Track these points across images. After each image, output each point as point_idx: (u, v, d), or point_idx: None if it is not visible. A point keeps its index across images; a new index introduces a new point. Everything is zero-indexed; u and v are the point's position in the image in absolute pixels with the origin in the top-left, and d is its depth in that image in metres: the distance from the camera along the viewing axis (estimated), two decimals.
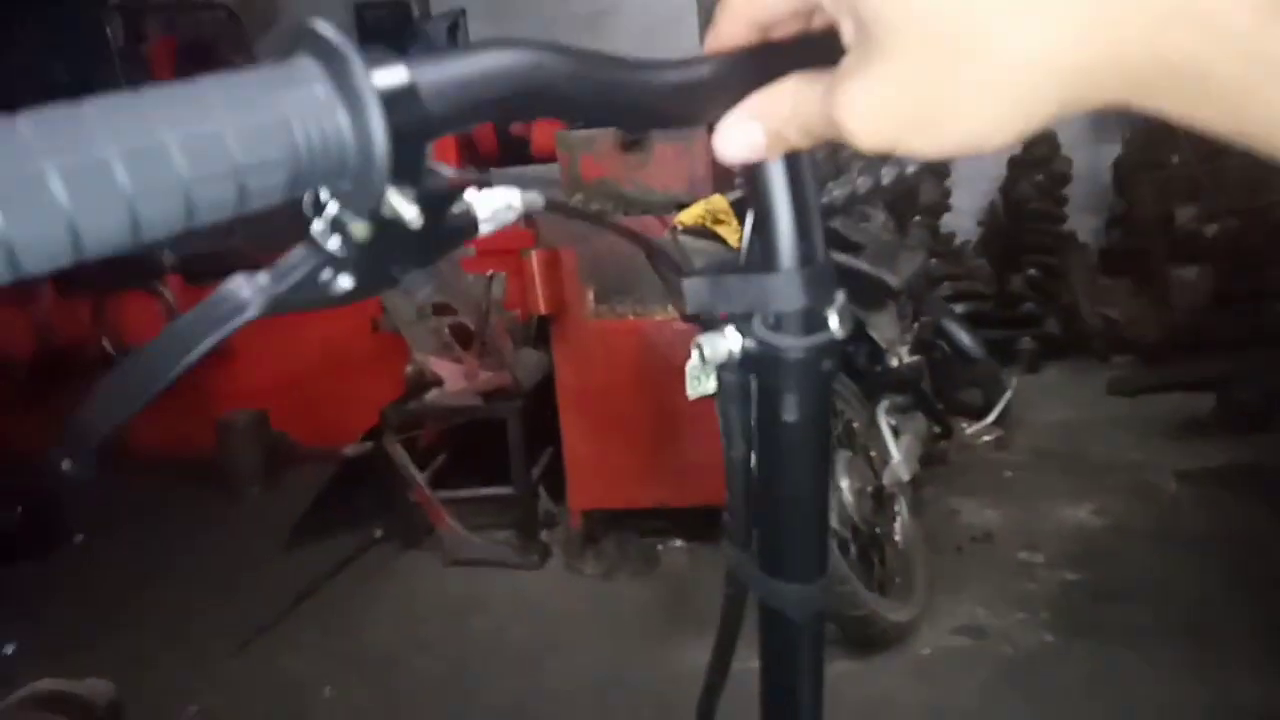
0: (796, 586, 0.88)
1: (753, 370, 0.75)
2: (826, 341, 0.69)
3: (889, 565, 2.60)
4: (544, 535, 3.29)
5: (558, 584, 3.06)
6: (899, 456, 2.63)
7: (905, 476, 2.62)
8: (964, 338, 3.64)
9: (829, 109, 0.34)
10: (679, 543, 3.20)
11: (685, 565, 3.09)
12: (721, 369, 0.78)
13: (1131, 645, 2.44)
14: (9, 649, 2.70)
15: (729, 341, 0.70)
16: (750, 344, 0.67)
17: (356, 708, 2.46)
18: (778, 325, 0.65)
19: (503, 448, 3.19)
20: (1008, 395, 3.63)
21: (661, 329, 2.91)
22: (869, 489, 2.58)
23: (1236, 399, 3.71)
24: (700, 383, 2.00)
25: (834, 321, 0.66)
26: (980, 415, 3.76)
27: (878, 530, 2.58)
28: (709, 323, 0.68)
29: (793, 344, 0.66)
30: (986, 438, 3.79)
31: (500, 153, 3.49)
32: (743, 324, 0.70)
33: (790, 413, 0.78)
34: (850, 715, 2.22)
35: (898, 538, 2.63)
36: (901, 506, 2.68)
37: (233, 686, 2.57)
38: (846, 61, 0.34)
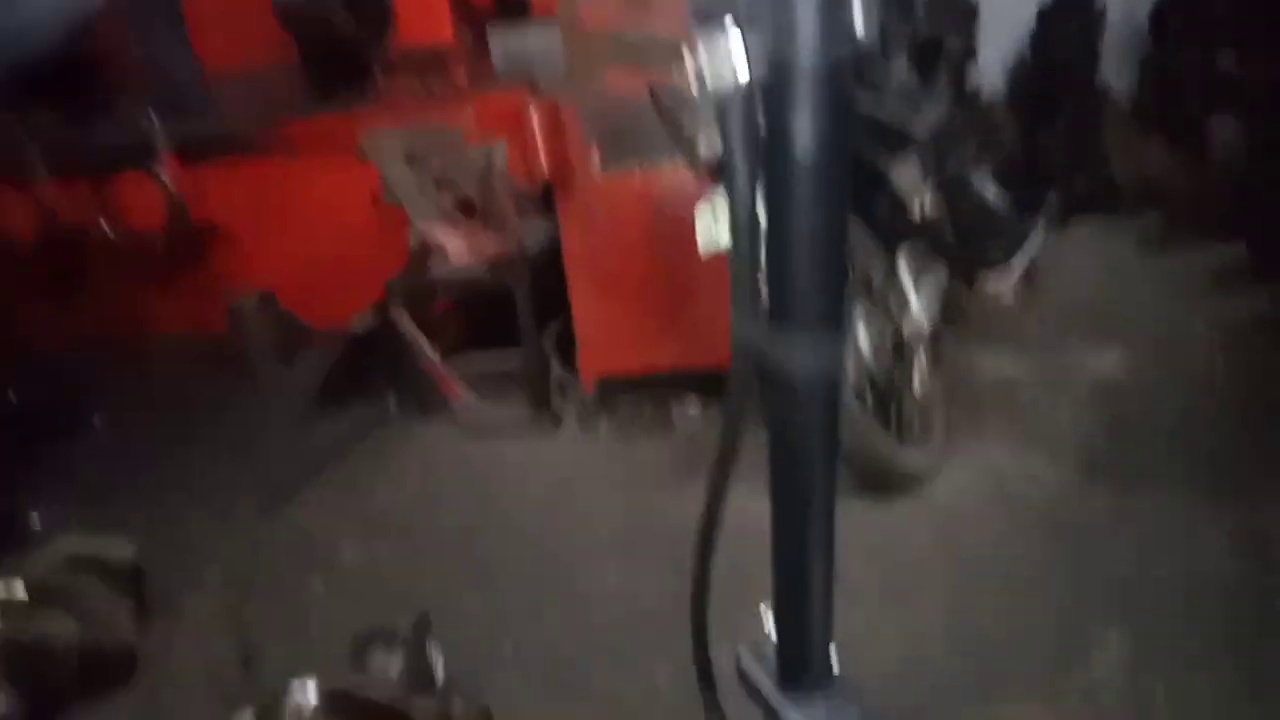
0: (809, 336, 0.81)
1: (762, 95, 0.66)
2: (848, 52, 0.59)
3: (906, 414, 2.55)
4: (557, 404, 3.26)
5: (572, 448, 3.04)
6: (918, 306, 2.54)
7: (925, 326, 2.54)
8: (988, 191, 3.49)
9: None
10: (693, 404, 3.16)
11: (700, 425, 3.06)
12: (723, 104, 0.68)
13: (1154, 485, 2.39)
14: (35, 520, 2.73)
15: (734, 54, 0.60)
16: (758, 55, 0.57)
17: (378, 561, 2.48)
18: (790, 32, 0.56)
19: (512, 318, 3.14)
20: (1034, 248, 3.50)
21: (670, 184, 2.80)
22: (887, 341, 2.50)
23: (1272, 251, 3.56)
24: (712, 236, 1.91)
25: (858, 20, 0.56)
26: (1004, 271, 3.64)
27: (896, 381, 2.51)
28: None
29: (809, 53, 0.57)
30: (1010, 292, 3.68)
31: (496, 6, 3.31)
32: (750, 31, 0.60)
33: (804, 138, 0.68)
34: (866, 556, 2.20)
35: (916, 387, 2.57)
36: (921, 357, 2.60)
37: (255, 546, 2.60)
38: None
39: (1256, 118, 3.87)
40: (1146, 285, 3.66)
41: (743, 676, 0.88)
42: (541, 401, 3.20)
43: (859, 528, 2.36)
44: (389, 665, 1.61)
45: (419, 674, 1.64)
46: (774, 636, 0.84)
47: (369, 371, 3.37)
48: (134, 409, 3.58)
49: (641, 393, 3.18)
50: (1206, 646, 1.83)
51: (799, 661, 0.83)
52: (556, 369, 3.30)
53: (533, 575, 2.33)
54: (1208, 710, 1.70)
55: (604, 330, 3.03)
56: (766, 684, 0.85)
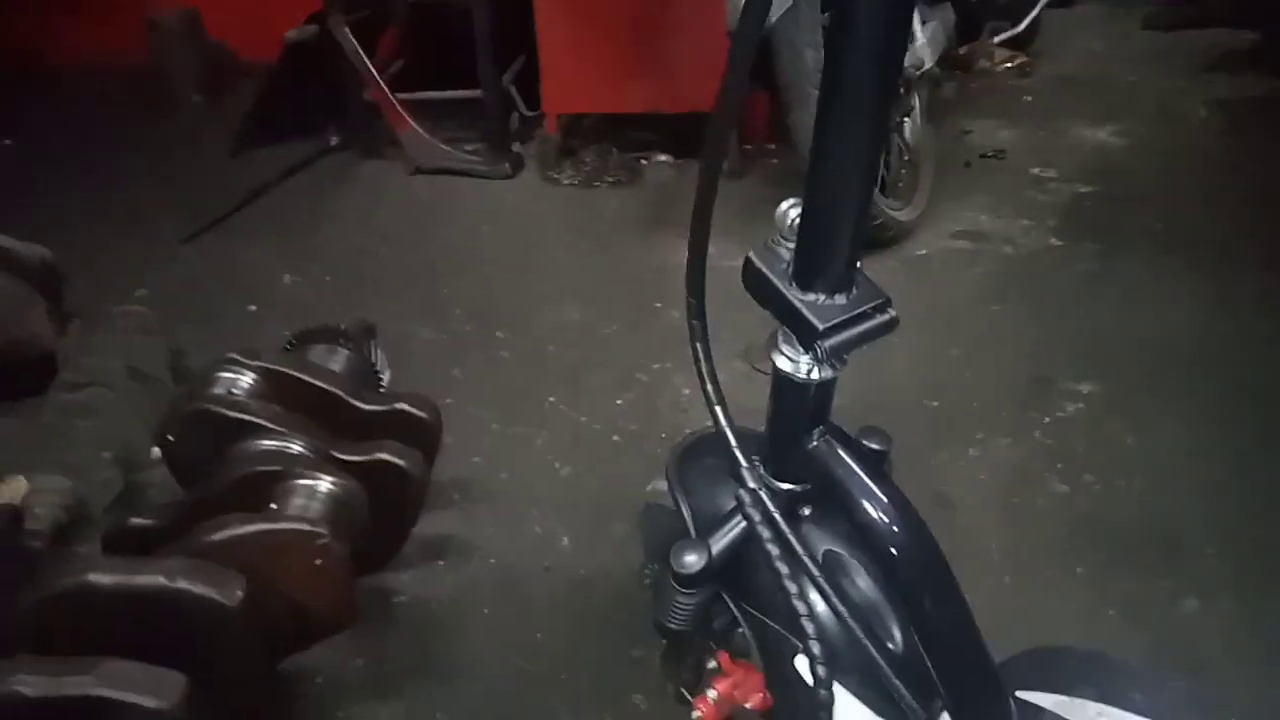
0: None
1: None
2: None
3: (893, 167, 2.38)
4: (518, 148, 3.03)
5: (533, 192, 2.84)
6: (923, 39, 2.31)
7: (929, 61, 2.33)
8: None
9: None
10: (664, 157, 2.95)
11: (670, 178, 2.87)
12: None
13: (1136, 248, 2.31)
14: None
15: None
16: None
17: (319, 289, 2.32)
18: None
19: (470, 51, 2.83)
20: (1037, 10, 3.26)
21: None
22: None
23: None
24: None
25: None
26: (1007, 41, 3.42)
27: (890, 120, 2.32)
28: None
29: None
30: (1009, 64, 3.47)
31: None
32: None
33: None
34: None
35: (908, 135, 2.39)
36: (916, 104, 2.40)
37: (184, 271, 2.41)
38: None
39: None
40: (1150, 64, 3.46)
41: (750, 278, 0.77)
42: (500, 141, 2.96)
43: None
44: (330, 362, 1.48)
45: (362, 372, 1.51)
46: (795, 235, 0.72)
47: (306, 100, 3.06)
48: (49, 134, 3.25)
49: (608, 138, 2.95)
50: (1178, 402, 1.79)
51: (823, 259, 0.70)
52: (517, 106, 3.04)
53: (487, 311, 2.19)
54: (1179, 460, 1.66)
55: (572, 61, 2.75)
56: (778, 283, 0.73)
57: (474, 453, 1.74)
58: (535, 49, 2.78)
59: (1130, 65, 3.46)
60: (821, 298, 0.71)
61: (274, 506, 1.17)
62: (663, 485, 1.14)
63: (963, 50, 3.02)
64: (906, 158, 2.38)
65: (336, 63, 2.87)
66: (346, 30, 2.78)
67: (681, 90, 2.71)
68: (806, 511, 0.90)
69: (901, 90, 2.28)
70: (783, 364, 0.77)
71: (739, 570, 0.93)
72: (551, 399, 1.88)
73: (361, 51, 2.81)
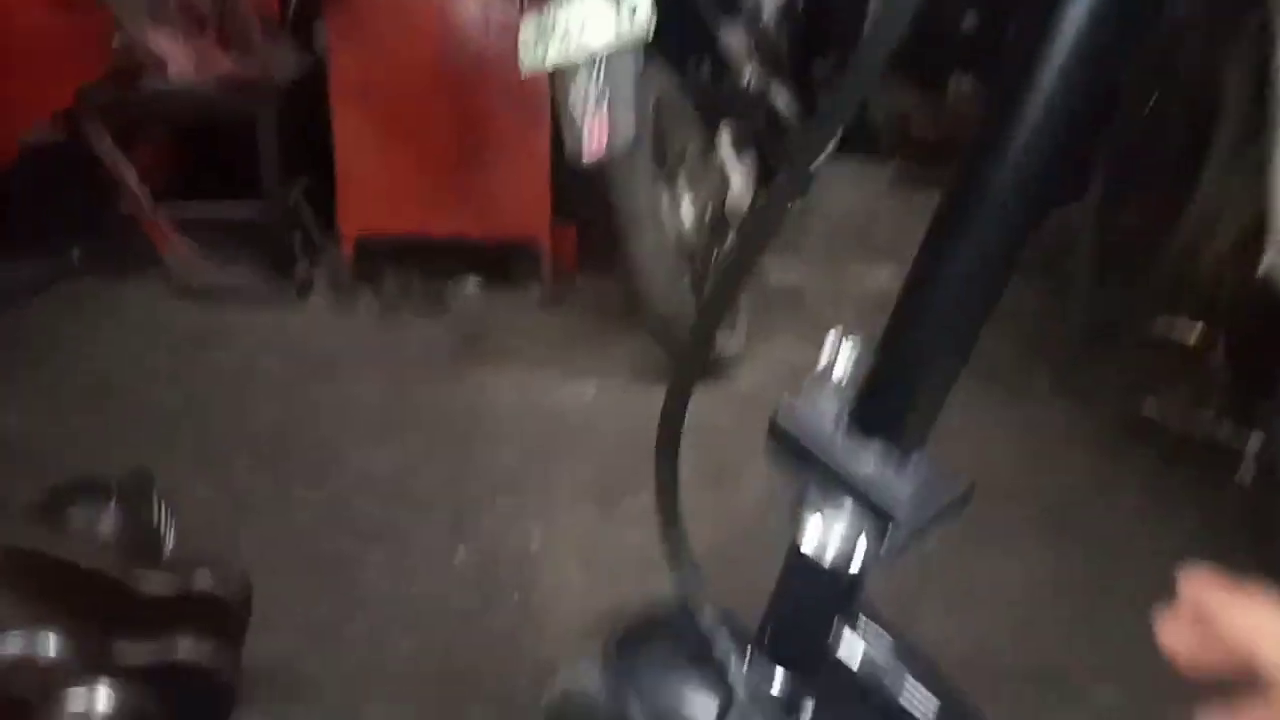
0: None
1: None
2: None
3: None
4: (304, 269, 2.73)
5: (324, 321, 2.55)
6: (741, 184, 2.35)
7: (745, 203, 2.37)
8: (781, 101, 3.41)
9: None
10: (473, 283, 2.78)
11: (480, 308, 2.69)
12: None
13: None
14: None
15: None
16: None
17: (63, 432, 1.88)
18: None
19: (251, 162, 2.56)
20: (817, 162, 3.48)
21: (476, 6, 2.38)
22: (707, 217, 2.30)
23: None
24: (535, 55, 1.41)
25: None
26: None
27: (712, 261, 2.32)
28: None
29: None
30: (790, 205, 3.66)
31: None
32: None
33: None
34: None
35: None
36: (731, 240, 2.43)
37: None
38: None
39: (989, 74, 4.16)
40: (906, 215, 3.81)
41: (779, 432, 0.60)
42: (285, 263, 2.66)
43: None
44: (98, 525, 1.14)
45: (141, 539, 1.18)
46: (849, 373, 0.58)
47: (46, 209, 2.61)
48: None
49: (411, 264, 2.74)
50: (1008, 540, 1.83)
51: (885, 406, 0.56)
52: (306, 225, 2.76)
53: (276, 459, 1.87)
54: (1040, 593, 1.67)
55: (372, 179, 2.55)
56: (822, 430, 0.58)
57: (285, 634, 1.41)
58: (331, 161, 2.55)
59: (893, 215, 3.80)
60: (892, 459, 0.56)
61: None
62: (574, 680, 0.93)
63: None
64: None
65: (88, 170, 2.47)
66: (105, 135, 2.41)
67: (494, 217, 2.58)
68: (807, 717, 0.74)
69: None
70: (809, 545, 0.62)
71: None
72: (375, 561, 1.60)
73: (121, 161, 2.45)
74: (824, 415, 0.58)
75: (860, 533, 0.58)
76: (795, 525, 0.61)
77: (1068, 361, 2.52)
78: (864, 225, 3.70)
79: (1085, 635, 1.58)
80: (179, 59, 2.51)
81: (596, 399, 2.24)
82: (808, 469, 0.58)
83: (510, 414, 2.11)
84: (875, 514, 0.55)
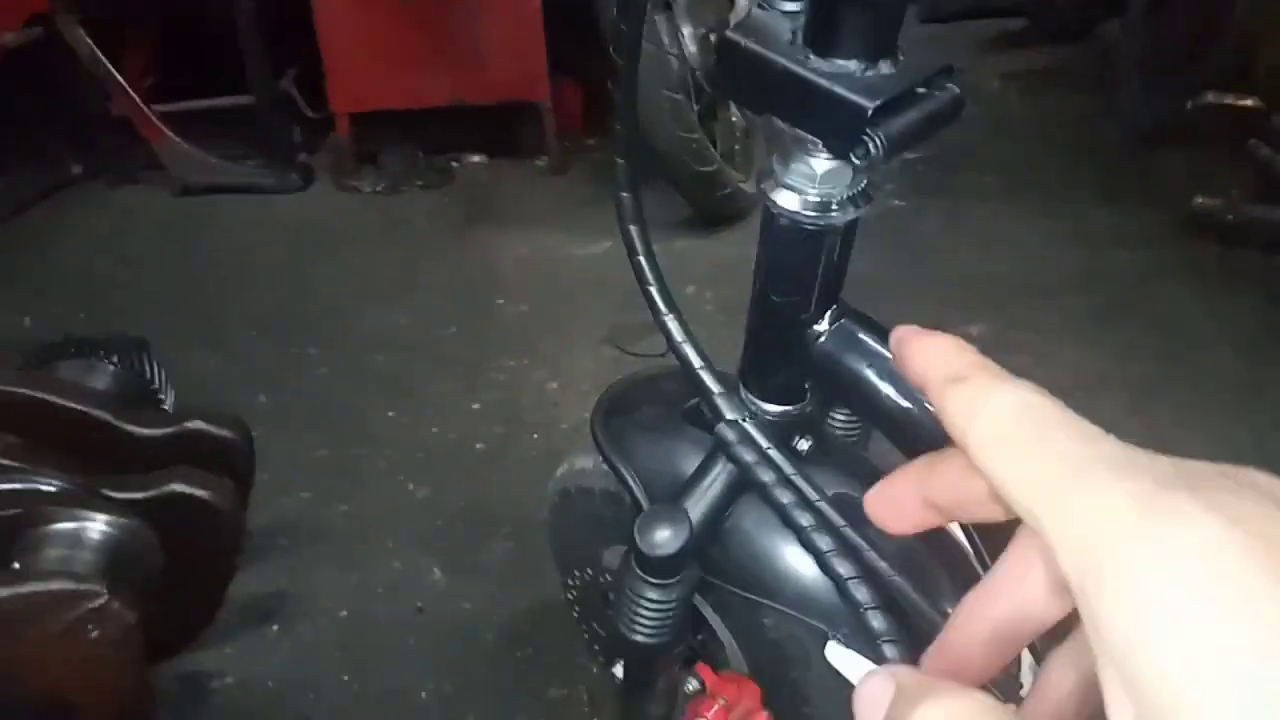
0: None
1: None
2: None
3: (725, 136, 2.24)
4: (306, 158, 2.65)
5: (329, 204, 2.48)
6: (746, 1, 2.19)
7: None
8: None
9: None
10: (477, 157, 2.68)
11: (486, 179, 2.60)
12: None
13: (983, 200, 2.30)
14: None
15: None
16: None
17: (70, 327, 1.85)
18: None
19: (239, 55, 2.45)
20: None
21: None
22: (711, 36, 2.14)
23: (1049, 14, 3.61)
24: None
25: None
26: None
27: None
28: None
29: None
30: None
31: None
32: None
33: None
34: (701, 277, 1.92)
35: (734, 111, 2.26)
36: None
37: None
38: None
39: None
40: (938, 49, 3.58)
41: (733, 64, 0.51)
42: (285, 151, 2.58)
43: (686, 251, 2.07)
44: (90, 380, 1.10)
45: (134, 392, 1.14)
46: None
47: (34, 121, 2.55)
48: None
49: (413, 139, 2.65)
50: (1063, 330, 1.74)
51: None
52: (301, 110, 2.67)
53: (290, 326, 1.83)
54: (1089, 381, 1.58)
55: (360, 52, 2.43)
56: (785, 59, 0.49)
57: (299, 487, 1.38)
58: (317, 41, 2.44)
59: (920, 44, 3.59)
60: (858, 67, 0.47)
61: (16, 566, 0.80)
62: (574, 467, 0.87)
63: None
64: (741, 125, 2.24)
65: (71, 74, 2.39)
66: (80, 31, 2.32)
67: (490, 78, 2.46)
68: (804, 445, 0.67)
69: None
70: (787, 200, 0.52)
71: (721, 545, 0.68)
72: (391, 413, 1.56)
73: (102, 56, 2.36)
74: (779, 32, 0.49)
75: (842, 153, 0.47)
76: (765, 178, 0.52)
77: (1114, 167, 2.38)
78: None
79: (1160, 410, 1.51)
80: None
81: (609, 252, 2.16)
82: (767, 94, 0.49)
83: (522, 271, 2.04)
84: (854, 121, 0.45)
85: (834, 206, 0.51)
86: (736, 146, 2.31)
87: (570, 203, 2.41)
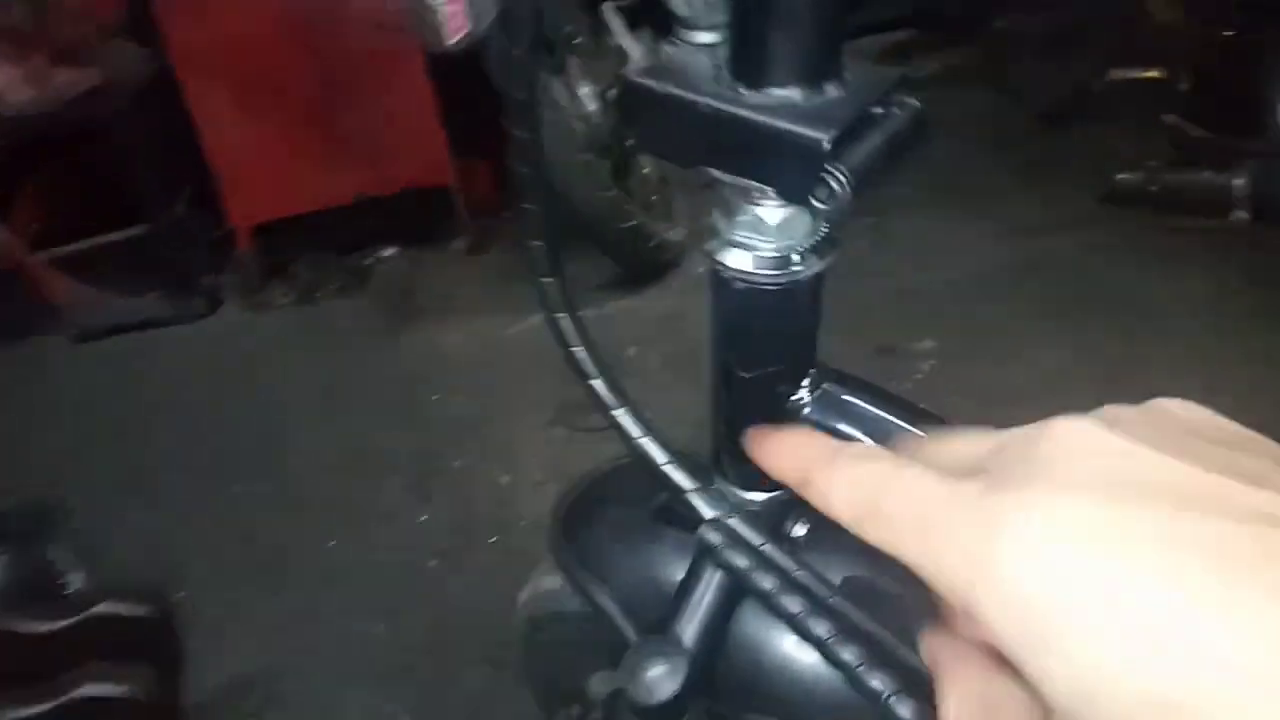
0: None
1: None
2: None
3: (643, 188, 2.19)
4: (211, 281, 2.52)
5: (239, 324, 2.35)
6: (639, 51, 2.14)
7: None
8: None
9: None
10: (391, 250, 2.57)
11: (404, 270, 2.49)
12: None
13: (908, 210, 2.26)
14: None
15: None
16: None
17: None
18: None
19: (123, 182, 2.33)
20: None
21: None
22: (609, 95, 2.09)
23: (934, 19, 3.66)
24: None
25: None
26: None
27: (627, 143, 2.12)
28: None
29: None
30: None
31: None
32: None
33: None
34: (641, 337, 1.83)
35: (646, 163, 2.21)
36: None
37: None
38: None
39: None
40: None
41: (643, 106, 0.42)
42: (186, 278, 2.45)
43: (625, 312, 1.99)
44: None
45: (34, 581, 1.00)
46: None
47: None
48: None
49: (321, 242, 2.53)
50: (1017, 334, 1.69)
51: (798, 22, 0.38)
52: (200, 232, 2.53)
53: (214, 465, 1.68)
54: (1054, 382, 1.53)
55: (252, 158, 2.32)
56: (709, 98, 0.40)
57: (241, 650, 1.24)
58: (205, 157, 2.33)
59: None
60: (801, 94, 0.38)
61: None
62: (541, 588, 0.76)
63: None
64: (656, 174, 2.19)
65: None
66: None
67: (392, 168, 2.37)
68: (800, 530, 0.57)
69: None
70: (739, 260, 0.43)
71: (726, 663, 0.58)
72: (332, 543, 1.42)
73: None
74: (698, 69, 0.40)
75: (800, 196, 0.38)
76: (707, 236, 0.44)
77: (1029, 155, 2.38)
78: None
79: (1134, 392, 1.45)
80: (11, 81, 2.28)
81: (542, 326, 2.05)
82: (694, 143, 0.40)
83: (454, 361, 1.94)
84: (810, 158, 0.36)
85: (795, 260, 0.42)
86: (654, 197, 2.25)
87: (494, 282, 2.32)
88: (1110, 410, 0.25)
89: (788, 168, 0.37)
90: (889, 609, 0.52)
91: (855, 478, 0.28)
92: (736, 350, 0.47)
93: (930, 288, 1.89)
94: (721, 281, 0.45)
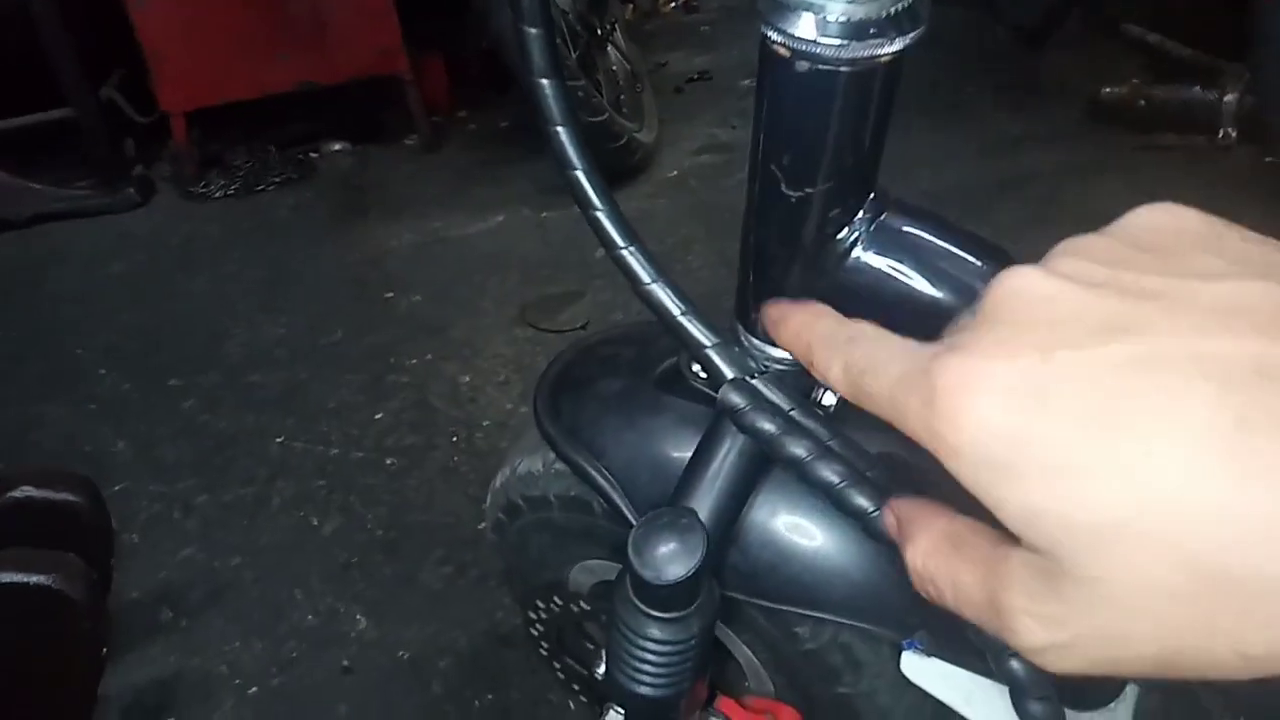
0: None
1: None
2: None
3: (609, 85, 2.07)
4: (142, 170, 2.34)
5: (176, 215, 2.19)
6: None
7: None
8: None
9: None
10: (338, 145, 2.42)
11: (353, 166, 2.34)
12: None
13: (900, 121, 2.17)
14: None
15: None
16: None
17: None
18: None
19: (44, 54, 2.13)
20: None
21: None
22: None
23: None
24: None
25: None
26: None
27: (598, 32, 2.00)
28: None
29: None
30: (673, 4, 3.32)
31: None
32: None
33: None
34: None
35: (624, 50, 2.09)
36: (614, 11, 2.11)
37: None
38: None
39: None
40: None
41: None
42: (116, 165, 2.27)
43: None
44: None
45: None
46: None
47: None
48: None
49: (261, 135, 2.37)
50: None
51: None
52: (129, 116, 2.35)
53: (148, 359, 1.56)
54: None
55: (188, 39, 2.14)
56: None
57: (179, 544, 1.15)
58: (137, 36, 2.14)
59: None
60: None
61: None
62: (518, 471, 0.69)
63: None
64: (631, 71, 2.07)
65: None
66: None
67: (341, 54, 2.20)
68: (830, 397, 0.50)
69: None
70: (805, 27, 0.34)
71: (740, 549, 0.51)
72: (279, 439, 1.33)
73: None
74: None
75: None
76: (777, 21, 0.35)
77: (1012, 71, 2.31)
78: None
79: None
80: None
81: (505, 224, 1.96)
82: None
83: (409, 259, 1.82)
84: None
85: (873, 30, 0.34)
86: (621, 96, 2.13)
87: (451, 180, 2.19)
88: (1067, 242, 0.27)
89: None
90: (927, 486, 0.46)
91: (849, 359, 0.31)
92: (786, 159, 0.39)
93: (914, 198, 1.83)
94: (776, 63, 0.36)
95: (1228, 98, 1.82)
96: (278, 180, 2.27)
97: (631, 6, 3.14)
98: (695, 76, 2.65)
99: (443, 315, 1.59)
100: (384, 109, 2.40)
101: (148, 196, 2.27)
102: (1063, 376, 0.23)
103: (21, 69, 2.18)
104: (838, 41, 0.33)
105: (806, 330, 0.34)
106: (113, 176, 2.26)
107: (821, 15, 0.33)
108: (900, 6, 0.34)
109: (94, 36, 2.17)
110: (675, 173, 2.07)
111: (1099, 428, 0.22)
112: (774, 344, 0.48)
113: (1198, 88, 1.85)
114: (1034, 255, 0.28)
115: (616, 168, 1.99)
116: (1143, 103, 1.89)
